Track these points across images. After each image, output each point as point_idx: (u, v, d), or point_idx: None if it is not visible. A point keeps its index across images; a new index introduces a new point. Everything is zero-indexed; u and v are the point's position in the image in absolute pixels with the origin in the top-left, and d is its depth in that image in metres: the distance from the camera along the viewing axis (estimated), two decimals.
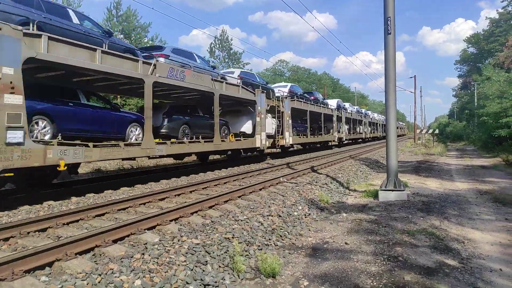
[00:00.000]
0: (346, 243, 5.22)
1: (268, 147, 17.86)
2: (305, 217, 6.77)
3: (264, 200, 7.62)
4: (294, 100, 20.63)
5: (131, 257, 4.10)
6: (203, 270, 4.00)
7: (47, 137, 7.54)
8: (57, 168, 7.34)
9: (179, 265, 4.00)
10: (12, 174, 6.58)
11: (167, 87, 11.35)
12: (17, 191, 8.47)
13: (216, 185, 9.57)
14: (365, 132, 42.33)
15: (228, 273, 4.09)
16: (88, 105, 9.11)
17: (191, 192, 8.52)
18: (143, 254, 4.20)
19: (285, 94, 20.45)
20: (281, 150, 20.85)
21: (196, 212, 6.40)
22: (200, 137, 12.55)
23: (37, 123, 7.41)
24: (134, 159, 10.33)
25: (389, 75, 8.56)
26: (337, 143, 31.30)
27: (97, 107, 9.49)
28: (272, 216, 6.35)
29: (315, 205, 7.71)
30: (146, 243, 4.64)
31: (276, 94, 19.37)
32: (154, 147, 9.87)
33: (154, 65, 9.99)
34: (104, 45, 8.85)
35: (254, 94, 15.63)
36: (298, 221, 6.44)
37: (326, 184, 10.35)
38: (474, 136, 37.38)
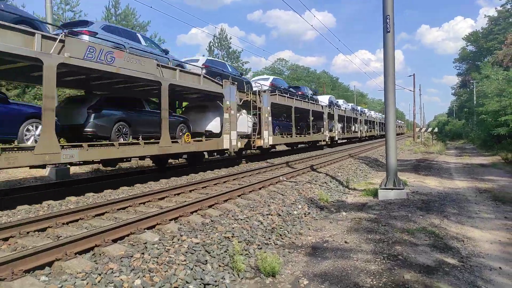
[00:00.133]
0: (346, 242, 5.22)
1: (242, 149, 15.63)
2: (305, 216, 6.78)
3: (264, 199, 7.62)
4: (276, 94, 18.35)
5: (131, 256, 4.11)
6: (203, 270, 4.00)
7: None
8: None
9: (179, 264, 4.00)
10: None
11: (88, 73, 8.90)
12: (15, 191, 8.46)
13: (215, 184, 9.57)
14: (360, 131, 39.84)
15: (228, 272, 4.09)
16: None
17: (190, 191, 8.52)
18: (143, 253, 4.20)
19: (266, 88, 18.42)
20: (260, 151, 19.16)
21: (195, 211, 6.40)
22: (140, 138, 10.26)
23: None
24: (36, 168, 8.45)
25: (388, 74, 8.56)
26: (329, 143, 28.79)
27: None
28: (271, 215, 6.35)
29: (315, 204, 7.72)
30: (145, 243, 4.64)
31: (256, 88, 17.18)
32: (58, 152, 7.36)
33: (62, 41, 7.52)
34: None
35: (222, 85, 13.08)
36: (297, 220, 6.44)
37: (325, 183, 10.36)
38: (473, 134, 37.41)
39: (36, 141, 7.49)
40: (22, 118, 7.53)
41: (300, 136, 22.78)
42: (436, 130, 42.27)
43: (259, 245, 5.06)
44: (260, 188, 8.81)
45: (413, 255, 4.56)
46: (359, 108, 43.52)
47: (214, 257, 4.36)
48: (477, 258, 4.65)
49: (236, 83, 14.24)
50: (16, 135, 7.38)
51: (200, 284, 3.70)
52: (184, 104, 17.03)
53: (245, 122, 15.42)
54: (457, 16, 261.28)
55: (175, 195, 8.05)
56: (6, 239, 4.91)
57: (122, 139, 9.80)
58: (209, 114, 13.94)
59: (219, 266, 4.22)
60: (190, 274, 3.81)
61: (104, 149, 8.71)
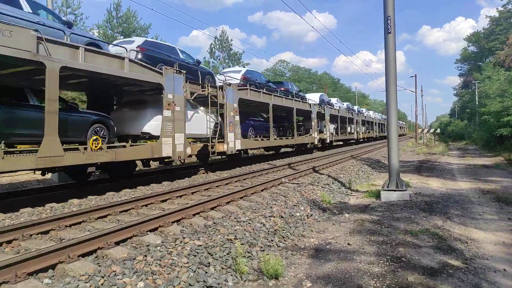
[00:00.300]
0: (348, 244, 5.21)
1: (192, 156, 12.50)
2: (307, 218, 6.77)
3: (266, 201, 7.61)
4: (246, 89, 15.36)
5: (134, 259, 4.11)
6: (206, 272, 4.00)
7: None
8: None
9: (181, 266, 4.00)
10: None
11: None
12: (18, 194, 8.48)
13: (218, 186, 9.57)
14: (357, 132, 36.55)
15: (231, 275, 4.09)
16: None
17: (193, 193, 8.51)
18: (145, 256, 4.19)
19: (237, 81, 15.58)
20: (229, 158, 16.21)
21: (198, 213, 6.39)
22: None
23: None
24: None
25: (389, 75, 8.55)
26: (319, 146, 26.45)
27: None
28: (274, 217, 6.34)
29: (317, 206, 7.70)
30: (148, 245, 4.64)
31: (219, 83, 13.76)
32: None
33: None
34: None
35: (161, 74, 10.02)
36: (300, 222, 6.43)
37: (328, 184, 10.34)
38: (475, 135, 37.30)
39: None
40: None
41: (282, 138, 20.04)
42: (438, 131, 42.19)
43: (261, 247, 5.05)
44: (262, 190, 8.80)
45: (417, 257, 4.55)
46: (356, 107, 40.88)
47: (217, 260, 4.36)
48: (481, 259, 4.62)
49: (184, 72, 10.97)
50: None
51: (203, 287, 3.70)
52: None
53: (202, 122, 12.60)
54: (458, 17, 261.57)
55: (177, 197, 8.05)
56: (9, 242, 4.92)
57: None
58: (147, 111, 10.58)
59: (222, 268, 4.21)
60: (193, 277, 3.81)
61: None
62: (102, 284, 3.52)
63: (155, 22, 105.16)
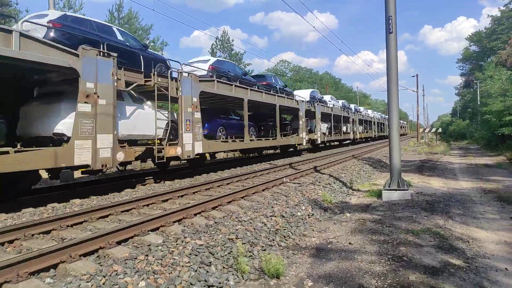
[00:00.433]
0: (350, 243, 5.20)
1: (127, 163, 10.13)
2: (309, 218, 6.76)
3: (267, 200, 7.61)
4: (212, 81, 12.93)
5: (135, 258, 4.11)
6: (207, 271, 4.00)
7: None
8: None
9: (183, 266, 4.00)
10: None
11: None
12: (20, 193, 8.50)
13: (219, 186, 9.57)
14: (354, 132, 34.26)
15: (232, 274, 4.09)
16: None
17: (194, 193, 8.52)
18: (147, 255, 4.20)
19: (204, 72, 13.24)
20: (189, 164, 13.70)
21: (199, 213, 6.40)
22: None
23: None
24: None
25: (391, 74, 8.54)
26: (307, 147, 24.32)
27: None
28: (275, 216, 6.34)
29: (319, 205, 7.70)
30: (149, 245, 4.64)
31: (184, 73, 11.43)
32: None
33: None
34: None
35: (77, 56, 7.70)
36: (301, 222, 6.43)
37: (329, 184, 10.33)
38: (477, 134, 37.25)
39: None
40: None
41: (262, 139, 17.13)
42: (440, 130, 42.11)
43: (263, 246, 5.05)
44: (263, 190, 8.80)
45: (418, 256, 4.54)
46: (353, 106, 38.61)
47: (218, 259, 4.36)
48: (483, 259, 4.62)
49: (115, 55, 8.59)
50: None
51: (204, 286, 3.70)
52: None
53: (148, 120, 10.03)
54: (460, 16, 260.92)
55: (178, 197, 8.06)
56: (11, 242, 4.93)
57: None
58: (62, 105, 8.09)
59: (223, 267, 4.21)
60: (194, 276, 3.81)
61: None
62: (103, 284, 3.52)
63: (156, 22, 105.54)
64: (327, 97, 30.60)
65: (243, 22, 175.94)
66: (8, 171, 6.47)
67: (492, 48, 51.18)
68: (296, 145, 21.40)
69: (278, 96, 18.46)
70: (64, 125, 7.94)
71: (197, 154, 11.69)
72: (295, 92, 23.76)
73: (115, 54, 8.63)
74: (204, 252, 4.44)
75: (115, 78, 8.67)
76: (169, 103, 10.64)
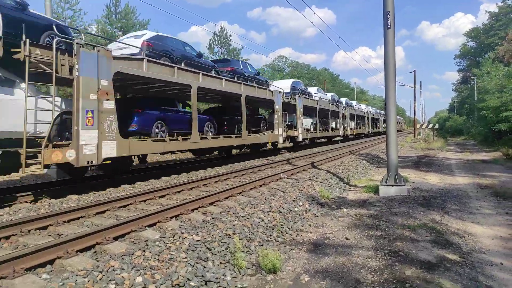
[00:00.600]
0: (347, 239, 5.22)
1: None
2: (306, 213, 6.78)
3: (265, 196, 7.62)
4: (140, 60, 9.67)
5: (132, 254, 4.11)
6: (204, 267, 4.01)
7: None
8: None
9: (180, 261, 4.01)
10: None
11: None
12: (18, 189, 8.47)
13: (216, 181, 9.57)
14: (344, 128, 31.02)
15: (229, 269, 4.10)
16: None
17: (191, 189, 8.52)
18: (144, 251, 4.20)
19: (135, 51, 10.14)
20: (104, 172, 11.01)
21: (196, 208, 6.40)
22: None
23: None
24: None
25: (389, 70, 8.53)
26: (281, 145, 20.47)
27: None
28: (272, 212, 6.35)
29: (316, 201, 7.72)
30: (147, 240, 4.64)
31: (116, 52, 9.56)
32: None
33: None
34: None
35: None
36: (298, 217, 6.44)
37: (326, 179, 10.35)
38: (474, 130, 37.40)
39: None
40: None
41: (220, 137, 13.48)
42: (437, 126, 42.21)
43: (260, 242, 5.06)
44: (261, 185, 8.80)
45: (414, 251, 4.56)
46: (344, 99, 35.45)
47: (215, 254, 4.37)
48: (478, 254, 4.65)
49: None
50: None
51: (201, 281, 3.71)
52: None
53: (19, 111, 6.92)
54: (458, 12, 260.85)
55: (176, 192, 8.05)
56: (7, 238, 4.92)
57: None
58: None
59: (220, 263, 4.22)
60: (191, 271, 3.82)
61: None
62: (100, 279, 3.52)
63: (154, 17, 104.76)
64: (312, 89, 27.69)
65: (240, 17, 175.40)
66: None
67: (489, 44, 51.29)
68: (269, 143, 17.74)
69: (244, 84, 15.00)
70: None
71: (106, 159, 8.40)
72: (275, 83, 21.50)
73: None
74: (201, 247, 4.44)
75: None
76: (54, 86, 7.44)
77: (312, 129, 23.87)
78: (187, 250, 4.32)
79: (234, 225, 5.41)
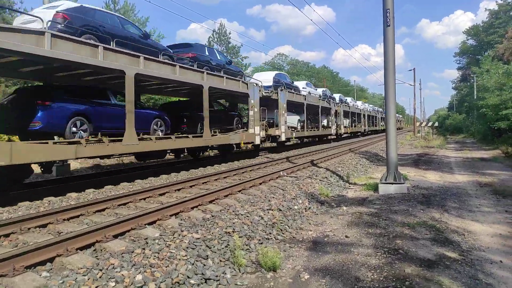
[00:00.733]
0: (346, 236, 5.23)
1: None
2: (306, 211, 6.78)
3: (264, 194, 7.62)
4: (40, 34, 7.06)
5: (132, 252, 4.11)
6: (204, 265, 4.01)
7: None
8: None
9: (180, 259, 4.01)
10: None
11: None
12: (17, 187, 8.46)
13: (216, 179, 9.57)
14: (337, 126, 28.79)
15: (229, 267, 4.10)
16: None
17: (191, 187, 8.52)
18: (143, 249, 4.20)
19: (49, 22, 7.70)
20: None
21: (196, 206, 6.40)
22: None
23: None
24: None
25: (388, 68, 8.52)
26: (269, 145, 19.13)
27: None
28: (272, 210, 6.36)
29: (315, 199, 7.72)
30: (146, 238, 4.64)
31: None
32: None
33: None
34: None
35: None
36: (298, 215, 6.45)
37: (326, 177, 10.35)
38: (473, 128, 37.41)
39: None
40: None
41: (171, 138, 10.75)
42: (436, 124, 42.22)
43: (260, 240, 5.06)
44: (260, 183, 8.81)
45: (414, 249, 4.57)
46: (337, 95, 33.16)
47: (215, 252, 4.37)
48: (478, 251, 4.65)
49: None
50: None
51: (201, 279, 3.71)
52: None
53: None
54: (457, 10, 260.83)
55: (175, 190, 8.06)
56: (7, 235, 4.91)
57: None
58: None
59: (220, 261, 4.23)
60: (191, 269, 3.82)
61: None
62: (100, 277, 3.52)
63: (153, 15, 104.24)
64: (300, 83, 25.12)
65: (240, 14, 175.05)
66: None
67: (489, 42, 51.23)
68: (243, 143, 15.18)
69: (208, 74, 12.37)
70: None
71: None
72: (255, 75, 19.83)
73: None
74: (201, 245, 4.44)
75: None
76: None
77: (299, 127, 21.95)
78: (187, 248, 4.32)
79: (234, 223, 5.41)
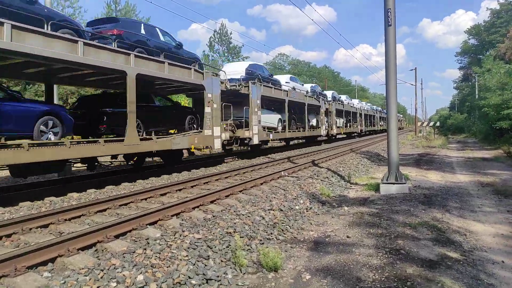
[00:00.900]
0: (347, 237, 5.22)
1: None
2: (307, 211, 6.78)
3: (266, 194, 7.62)
4: None
5: (133, 252, 4.11)
6: (205, 265, 4.01)
7: None
8: None
9: (181, 260, 4.01)
10: None
11: None
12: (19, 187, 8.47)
13: (217, 179, 9.57)
14: (328, 126, 25.90)
15: (230, 268, 4.10)
16: None
17: (192, 187, 8.52)
18: (145, 249, 4.20)
19: None
20: None
21: (197, 207, 6.40)
22: None
23: None
24: None
25: (389, 68, 8.51)
26: (245, 149, 16.87)
27: None
28: (273, 210, 6.35)
29: (317, 199, 7.71)
30: (148, 238, 4.64)
31: None
32: None
33: None
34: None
35: None
36: (299, 215, 6.44)
37: (327, 177, 10.34)
38: (475, 128, 37.33)
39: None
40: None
41: (64, 144, 7.49)
42: (438, 124, 42.12)
43: (261, 240, 5.06)
44: (261, 184, 8.80)
45: (415, 249, 4.56)
46: (330, 92, 30.17)
47: (216, 253, 4.37)
48: (480, 252, 4.64)
49: None
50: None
51: (203, 279, 3.71)
52: None
53: None
54: (459, 9, 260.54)
55: (177, 190, 8.06)
56: (9, 236, 4.92)
57: None
58: None
59: (221, 261, 4.22)
60: (193, 270, 3.82)
61: None
62: (101, 277, 3.52)
63: (154, 15, 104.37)
64: (283, 77, 21.56)
65: (241, 15, 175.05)
66: None
67: (491, 41, 51.09)
68: (194, 149, 11.77)
69: (137, 57, 9.29)
70: None
71: None
72: (225, 66, 17.19)
73: None
74: (202, 245, 4.44)
75: None
76: None
77: (279, 127, 18.89)
78: (188, 248, 4.32)
79: (235, 223, 5.41)
